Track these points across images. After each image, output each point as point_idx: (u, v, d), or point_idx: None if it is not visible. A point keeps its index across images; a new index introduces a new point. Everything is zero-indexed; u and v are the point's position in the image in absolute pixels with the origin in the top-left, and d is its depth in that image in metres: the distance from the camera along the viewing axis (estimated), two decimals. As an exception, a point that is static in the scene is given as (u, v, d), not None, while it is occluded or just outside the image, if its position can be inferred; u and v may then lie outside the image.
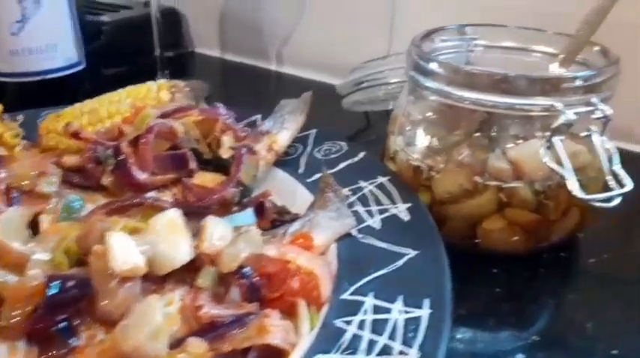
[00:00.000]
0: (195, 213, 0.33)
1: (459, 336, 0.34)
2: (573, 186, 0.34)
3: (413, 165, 0.40)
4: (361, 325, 0.28)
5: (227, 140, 0.37)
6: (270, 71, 0.79)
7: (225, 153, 0.36)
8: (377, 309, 0.28)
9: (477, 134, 0.39)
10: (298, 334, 0.27)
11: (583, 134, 0.37)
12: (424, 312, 0.28)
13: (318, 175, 0.41)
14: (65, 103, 0.47)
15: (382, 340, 0.26)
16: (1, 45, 0.56)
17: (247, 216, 0.37)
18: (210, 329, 0.26)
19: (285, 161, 0.44)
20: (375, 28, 0.68)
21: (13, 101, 0.54)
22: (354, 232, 0.35)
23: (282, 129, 0.43)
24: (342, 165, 0.43)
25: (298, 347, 0.26)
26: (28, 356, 0.26)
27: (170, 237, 0.28)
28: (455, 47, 0.45)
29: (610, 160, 0.36)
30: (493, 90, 0.36)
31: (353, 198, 0.39)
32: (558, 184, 0.37)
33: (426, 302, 0.28)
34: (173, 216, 0.29)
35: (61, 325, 0.26)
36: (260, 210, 0.37)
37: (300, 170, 0.43)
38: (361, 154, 0.44)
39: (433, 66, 0.38)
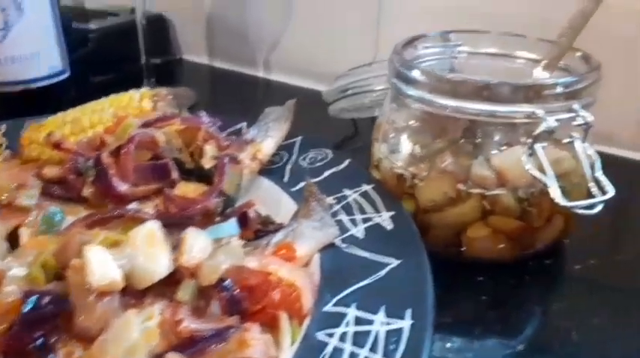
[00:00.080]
0: (177, 224, 0.32)
1: (444, 345, 0.33)
2: (555, 193, 0.34)
3: (396, 173, 0.40)
4: (343, 337, 0.27)
5: (209, 149, 0.37)
6: (258, 78, 0.79)
7: (207, 163, 0.36)
8: (359, 321, 0.28)
9: (461, 141, 0.39)
10: (279, 348, 0.27)
11: (565, 140, 0.37)
12: (406, 323, 0.28)
13: (303, 184, 0.40)
14: (50, 112, 0.46)
15: (363, 353, 0.26)
16: (-16, 53, 0.56)
17: (231, 226, 0.36)
18: (189, 344, 0.26)
19: (271, 169, 0.44)
20: (362, 35, 0.68)
21: (-3, 110, 0.54)
22: (337, 242, 0.35)
23: (267, 137, 0.43)
24: (326, 174, 0.43)
25: (279, 361, 0.26)
26: (4, 373, 0.25)
27: (149, 250, 0.27)
28: (438, 54, 0.45)
29: (592, 167, 0.36)
30: (475, 98, 0.36)
31: (337, 207, 0.38)
32: (541, 191, 0.37)
33: (408, 313, 0.28)
34: (152, 229, 0.29)
35: (38, 342, 0.25)
36: (243, 220, 0.36)
37: (285, 179, 0.43)
38: (346, 162, 0.44)
39: (415, 74, 0.38)
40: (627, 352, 0.33)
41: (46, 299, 0.25)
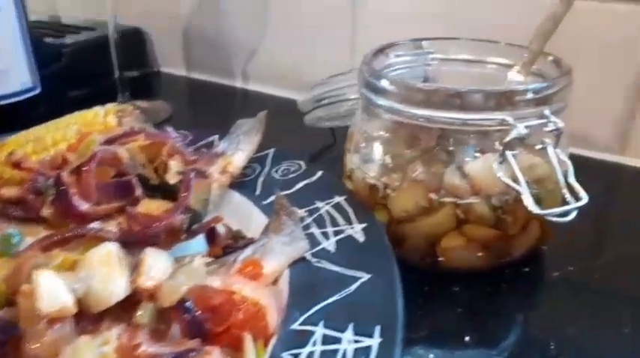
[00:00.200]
0: (142, 243, 0.31)
1: (419, 359, 0.33)
2: (528, 201, 0.33)
3: (369, 184, 0.39)
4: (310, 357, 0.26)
5: (174, 164, 0.36)
6: (236, 88, 0.78)
7: (172, 178, 0.35)
8: (326, 339, 0.27)
9: (436, 150, 0.38)
10: (243, 370, 0.26)
11: (538, 147, 0.36)
12: (374, 341, 0.27)
13: (274, 197, 0.40)
14: (19, 130, 0.45)
15: (330, 373, 0.25)
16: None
17: (198, 243, 0.35)
18: (148, 369, 0.25)
19: (242, 183, 0.43)
20: (338, 43, 0.68)
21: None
22: (308, 256, 0.34)
23: (238, 150, 0.42)
24: (299, 185, 0.42)
25: (243, 384, 0.25)
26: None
27: (105, 272, 0.26)
28: (410, 62, 0.45)
29: (566, 173, 0.35)
30: (446, 107, 0.35)
31: (309, 220, 0.38)
32: (516, 199, 0.36)
33: (377, 330, 0.27)
34: (109, 250, 0.27)
35: (-14, 371, 0.24)
36: (211, 236, 0.35)
37: (257, 192, 0.42)
38: (319, 173, 0.43)
39: (384, 83, 0.37)
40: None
41: (-6, 327, 0.24)
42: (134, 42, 0.82)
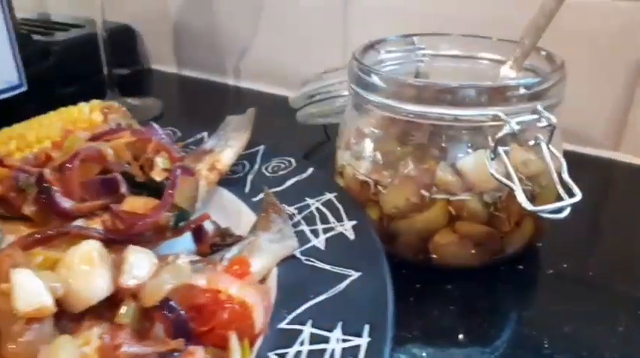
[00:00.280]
0: (126, 241, 0.31)
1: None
2: (520, 197, 0.32)
3: (360, 180, 0.38)
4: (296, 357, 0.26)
5: (160, 161, 0.35)
6: (228, 86, 0.77)
7: (158, 175, 0.34)
8: (314, 339, 0.27)
9: (428, 146, 0.37)
10: (228, 370, 0.25)
11: (531, 142, 0.35)
12: (363, 340, 0.26)
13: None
14: (4, 127, 0.44)
15: (317, 373, 0.25)
16: None
17: (185, 241, 0.35)
18: (130, 370, 0.24)
19: (232, 180, 0.42)
20: (330, 39, 0.67)
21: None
22: (297, 254, 0.34)
23: (226, 147, 0.41)
24: (289, 183, 0.41)
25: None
26: None
27: (86, 271, 0.26)
28: (401, 58, 0.44)
29: (559, 169, 0.34)
30: (437, 102, 0.35)
31: (298, 217, 0.37)
32: (509, 195, 0.36)
33: (366, 329, 0.27)
34: (90, 248, 0.27)
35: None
36: (198, 234, 0.35)
37: (247, 189, 0.41)
38: (310, 170, 0.42)
39: (375, 79, 0.37)
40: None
41: (-30, 329, 0.23)
42: (124, 39, 0.81)
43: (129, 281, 0.26)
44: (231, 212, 0.39)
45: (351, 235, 0.34)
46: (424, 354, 0.33)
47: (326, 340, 0.26)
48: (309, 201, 0.38)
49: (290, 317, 0.28)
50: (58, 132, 0.39)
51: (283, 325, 0.28)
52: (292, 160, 0.44)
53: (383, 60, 0.44)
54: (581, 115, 0.55)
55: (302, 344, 0.26)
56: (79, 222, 0.33)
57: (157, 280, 0.26)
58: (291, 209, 0.38)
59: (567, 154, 0.36)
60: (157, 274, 0.27)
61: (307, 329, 0.27)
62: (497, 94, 0.35)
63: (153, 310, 0.26)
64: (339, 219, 0.36)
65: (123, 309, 0.26)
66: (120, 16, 0.80)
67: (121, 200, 0.33)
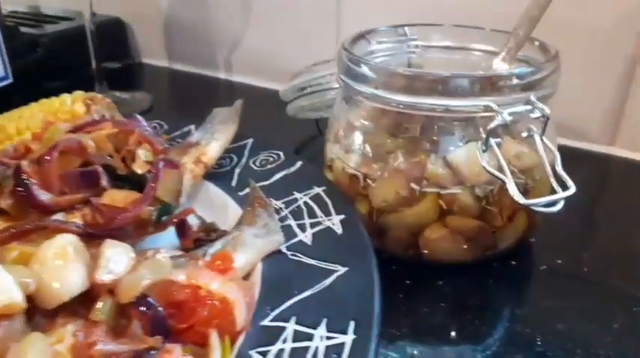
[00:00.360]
0: (107, 236, 0.30)
1: (396, 355, 0.31)
2: (512, 189, 0.31)
3: (349, 174, 0.37)
4: (279, 356, 0.25)
5: (142, 153, 0.34)
6: (220, 80, 0.76)
7: (139, 168, 0.33)
8: (298, 336, 0.26)
9: (420, 139, 0.37)
10: (208, 369, 0.25)
11: (524, 134, 0.35)
12: (348, 338, 0.25)
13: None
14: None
15: (299, 372, 0.24)
16: None
17: (170, 236, 0.34)
18: (104, 369, 0.23)
19: (219, 174, 0.41)
20: (323, 31, 0.66)
21: None
22: (283, 249, 0.33)
23: (212, 139, 0.40)
24: (277, 176, 0.40)
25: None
26: None
27: (60, 266, 0.25)
28: (393, 49, 0.43)
29: (553, 162, 0.34)
30: (428, 93, 0.34)
31: (285, 212, 0.36)
32: (501, 189, 0.35)
33: (351, 326, 0.26)
34: (65, 242, 0.26)
35: None
36: (182, 228, 0.34)
37: (233, 183, 0.40)
38: (298, 164, 0.41)
39: (364, 69, 0.36)
40: (594, 357, 0.31)
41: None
42: (115, 32, 0.80)
43: (104, 276, 0.25)
44: (217, 206, 0.38)
45: (338, 230, 0.33)
46: (415, 352, 0.32)
47: (310, 337, 0.26)
48: (297, 195, 0.37)
49: (273, 313, 0.27)
50: (38, 124, 0.38)
51: (266, 322, 0.27)
52: (281, 154, 0.43)
53: (374, 51, 0.43)
54: (576, 109, 0.54)
55: (285, 341, 0.25)
56: (58, 216, 0.32)
57: (134, 275, 0.25)
58: (279, 203, 0.37)
59: (562, 149, 0.35)
60: (135, 269, 0.26)
61: (291, 326, 0.26)
62: (489, 84, 0.34)
63: (130, 306, 0.25)
64: (327, 214, 0.35)
65: (98, 305, 0.25)
66: (111, 8, 0.79)
67: (101, 193, 0.32)
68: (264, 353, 0.25)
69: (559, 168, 0.33)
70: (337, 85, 0.51)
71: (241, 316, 0.26)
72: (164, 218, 0.33)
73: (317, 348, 0.25)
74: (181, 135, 0.45)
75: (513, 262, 0.39)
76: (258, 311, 0.28)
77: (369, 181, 0.36)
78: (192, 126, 0.45)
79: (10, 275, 0.23)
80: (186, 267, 0.28)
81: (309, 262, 0.31)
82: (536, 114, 0.33)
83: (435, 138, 0.36)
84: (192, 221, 0.35)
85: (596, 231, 0.45)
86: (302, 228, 0.34)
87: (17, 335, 0.23)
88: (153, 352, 0.24)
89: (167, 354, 0.23)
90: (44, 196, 0.31)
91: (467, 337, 0.33)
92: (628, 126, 0.54)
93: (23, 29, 0.70)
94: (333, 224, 0.34)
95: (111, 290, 0.25)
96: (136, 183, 0.35)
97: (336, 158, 0.39)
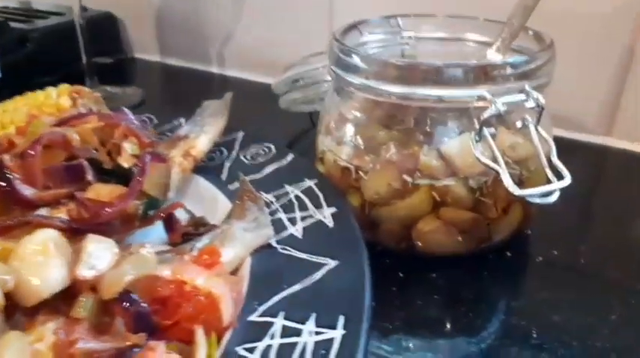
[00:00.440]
0: (92, 231, 0.29)
1: (395, 348, 0.31)
2: (507, 180, 0.31)
3: (341, 166, 0.37)
4: (266, 352, 0.24)
5: (128, 147, 0.33)
6: (213, 74, 0.75)
7: (125, 162, 0.33)
8: (286, 332, 0.25)
9: (413, 131, 0.36)
10: (193, 366, 0.24)
11: (519, 124, 0.34)
12: (337, 333, 0.24)
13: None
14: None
15: (287, 368, 0.23)
16: None
17: (159, 231, 0.33)
18: (86, 367, 0.22)
19: (209, 167, 0.41)
20: (316, 25, 0.65)
21: None
22: (273, 243, 0.32)
23: (202, 133, 0.40)
24: (268, 170, 0.39)
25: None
26: None
27: (40, 262, 0.24)
28: (386, 40, 0.42)
29: (548, 152, 0.33)
30: (421, 83, 0.33)
31: (276, 205, 0.35)
32: (495, 180, 0.34)
33: (341, 321, 0.25)
34: (46, 237, 0.25)
35: None
36: (169, 222, 0.33)
37: (223, 176, 0.40)
38: (289, 157, 0.40)
39: (356, 60, 0.35)
40: (591, 350, 0.31)
41: None
42: (107, 27, 0.79)
43: (85, 271, 0.24)
44: (207, 200, 0.38)
45: (330, 223, 0.33)
46: (409, 345, 0.31)
47: (298, 333, 0.25)
48: (288, 188, 0.37)
49: (261, 309, 0.27)
50: (23, 118, 0.37)
51: (253, 317, 0.26)
52: (272, 147, 0.42)
53: (366, 42, 0.42)
54: (572, 100, 0.53)
55: (272, 337, 0.25)
56: (42, 211, 0.31)
57: (117, 271, 0.25)
58: (270, 196, 0.36)
59: (558, 140, 0.34)
60: (118, 264, 0.25)
61: (279, 322, 0.26)
62: (483, 73, 0.33)
63: (113, 303, 0.25)
64: (319, 207, 0.34)
65: (79, 302, 0.24)
66: (102, 3, 0.78)
67: (87, 187, 0.32)
68: (251, 350, 0.24)
69: (554, 159, 0.33)
70: (328, 78, 0.51)
71: (228, 311, 0.26)
72: (151, 212, 0.33)
73: (305, 344, 0.24)
74: (171, 129, 0.45)
75: (508, 254, 0.38)
76: (246, 306, 0.27)
77: (361, 173, 0.36)
78: (183, 120, 0.45)
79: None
80: (171, 262, 0.27)
81: (299, 256, 0.30)
82: (531, 103, 0.33)
83: (428, 129, 0.35)
84: (181, 215, 0.34)
85: (592, 223, 0.45)
86: (293, 221, 0.34)
87: (-5, 333, 0.22)
88: (136, 349, 0.23)
89: (150, 352, 0.23)
90: (27, 191, 0.30)
91: (461, 330, 0.32)
92: (624, 117, 0.53)
93: (13, 24, 0.69)
94: (325, 217, 0.33)
95: (93, 286, 0.25)
96: (122, 177, 0.34)
97: (328, 150, 0.38)
